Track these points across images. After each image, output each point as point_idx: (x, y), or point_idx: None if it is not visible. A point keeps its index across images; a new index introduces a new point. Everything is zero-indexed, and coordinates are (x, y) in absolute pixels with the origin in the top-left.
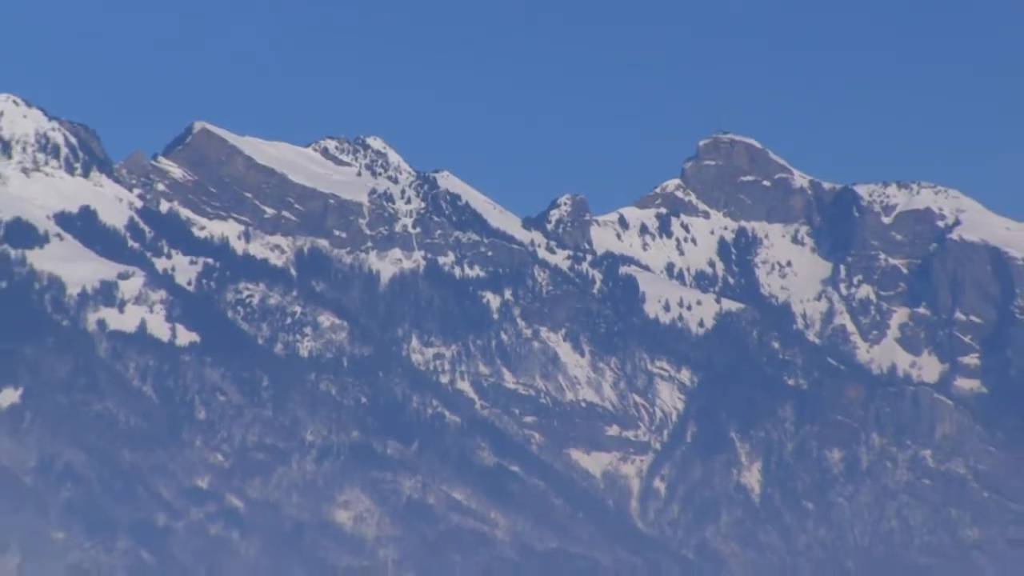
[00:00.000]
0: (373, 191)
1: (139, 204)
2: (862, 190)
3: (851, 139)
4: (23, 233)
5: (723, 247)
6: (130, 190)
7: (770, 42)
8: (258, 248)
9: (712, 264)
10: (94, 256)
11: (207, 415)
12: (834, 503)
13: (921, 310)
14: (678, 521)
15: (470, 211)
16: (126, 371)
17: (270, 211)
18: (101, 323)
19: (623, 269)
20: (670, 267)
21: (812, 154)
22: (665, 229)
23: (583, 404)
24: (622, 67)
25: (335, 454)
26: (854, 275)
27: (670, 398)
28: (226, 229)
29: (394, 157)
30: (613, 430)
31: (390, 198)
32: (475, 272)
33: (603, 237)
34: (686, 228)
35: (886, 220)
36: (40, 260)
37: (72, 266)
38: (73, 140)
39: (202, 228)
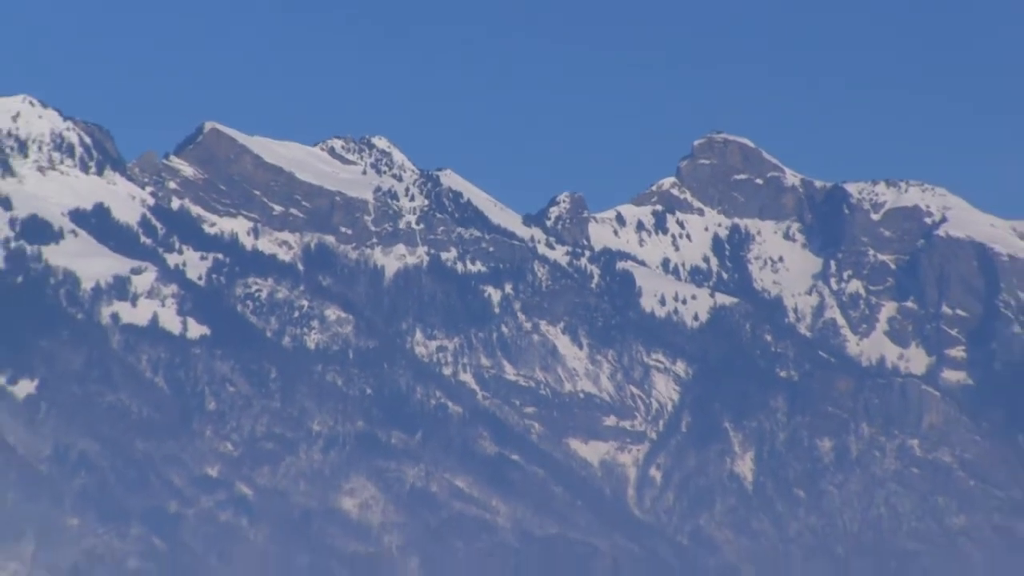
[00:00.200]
0: (378, 189)
1: (151, 201)
2: (852, 188)
3: (841, 139)
4: (39, 230)
5: (717, 243)
6: (143, 188)
7: (764, 45)
8: (266, 244)
9: (706, 260)
10: (108, 252)
11: (217, 406)
12: (825, 491)
13: (909, 304)
14: (673, 508)
15: (472, 208)
16: (139, 363)
17: (278, 208)
18: (114, 316)
19: (620, 264)
20: (666, 262)
21: (804, 153)
22: (661, 226)
23: (581, 395)
24: (619, 68)
25: (341, 443)
26: (844, 270)
27: (666, 389)
28: (235, 226)
29: (398, 156)
30: (610, 420)
31: (394, 196)
32: (477, 267)
33: (601, 233)
34: (681, 225)
35: (875, 217)
36: (55, 256)
37: (86, 261)
38: (87, 140)
39: (212, 225)
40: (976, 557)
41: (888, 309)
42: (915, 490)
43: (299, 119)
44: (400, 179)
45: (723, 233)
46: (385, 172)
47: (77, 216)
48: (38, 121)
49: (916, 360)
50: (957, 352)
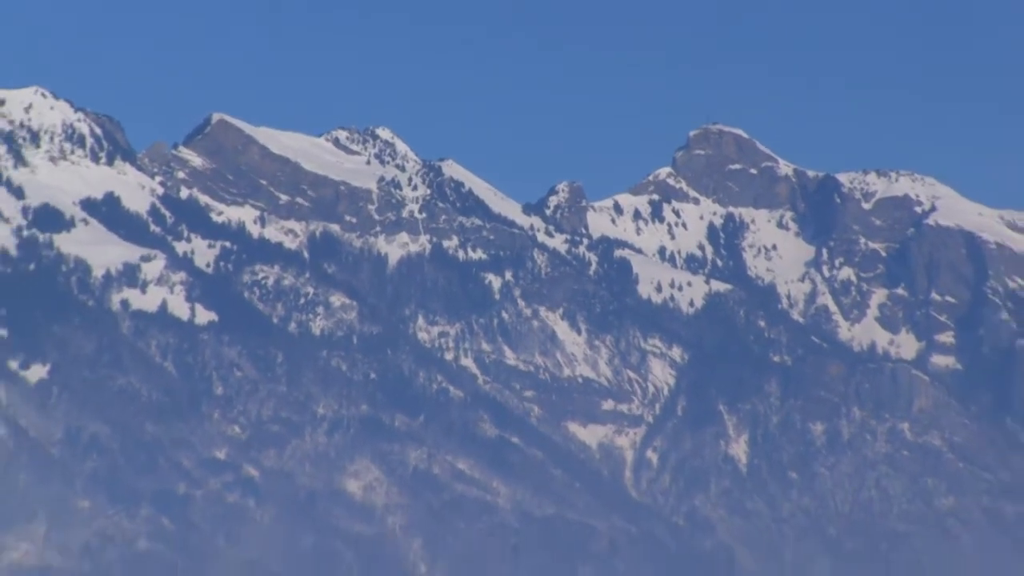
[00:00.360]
0: (381, 179)
1: (160, 191)
2: (843, 178)
3: (833, 130)
4: (51, 218)
5: (712, 231)
6: (152, 178)
7: (758, 40)
8: (273, 232)
9: (702, 248)
10: (118, 240)
11: (224, 390)
12: (817, 473)
13: (899, 291)
14: (669, 490)
15: (473, 197)
16: (148, 348)
17: (284, 197)
18: (124, 303)
19: (618, 252)
20: (662, 250)
21: (796, 144)
22: (657, 214)
23: (580, 379)
24: (617, 63)
25: (346, 427)
26: (836, 258)
27: (662, 374)
28: (243, 214)
29: (401, 147)
30: (608, 404)
31: (398, 185)
32: (478, 255)
33: (599, 222)
34: (677, 214)
35: (866, 206)
36: (67, 244)
37: (97, 249)
38: (98, 130)
39: (220, 213)
40: (965, 538)
41: (879, 296)
42: (905, 472)
43: (305, 111)
44: (403, 169)
45: (718, 222)
46: (388, 162)
47: (88, 205)
48: (50, 112)
49: (906, 345)
50: (946, 338)
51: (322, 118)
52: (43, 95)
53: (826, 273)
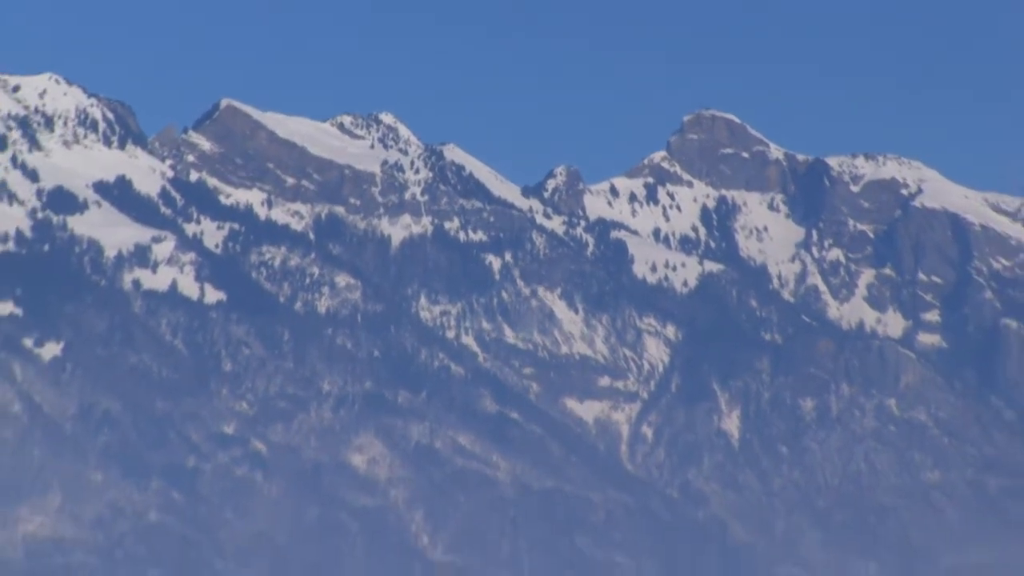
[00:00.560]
0: (385, 162)
1: (171, 174)
2: (832, 162)
3: (823, 115)
4: (65, 201)
5: (705, 214)
6: (162, 161)
7: (749, 29)
8: (280, 214)
9: (695, 229)
10: (129, 222)
11: (233, 367)
12: (807, 448)
13: (886, 271)
14: (664, 464)
15: (474, 180)
16: (159, 327)
17: (291, 180)
18: (136, 283)
19: (614, 234)
20: (657, 232)
21: (787, 129)
22: (652, 197)
23: (577, 357)
24: (614, 52)
25: (350, 402)
26: (825, 239)
27: (657, 351)
28: (250, 197)
29: (404, 131)
30: (604, 381)
31: (400, 169)
32: (478, 236)
33: (595, 204)
34: (671, 196)
35: (854, 189)
36: (80, 225)
37: (109, 231)
38: (110, 115)
39: (228, 196)
40: (949, 510)
41: (867, 276)
42: (892, 447)
43: (311, 97)
44: (406, 153)
45: (711, 204)
46: (392, 146)
47: (100, 188)
48: (63, 98)
49: (893, 324)
50: (932, 316)
51: (327, 104)
52: (57, 81)
53: (816, 254)
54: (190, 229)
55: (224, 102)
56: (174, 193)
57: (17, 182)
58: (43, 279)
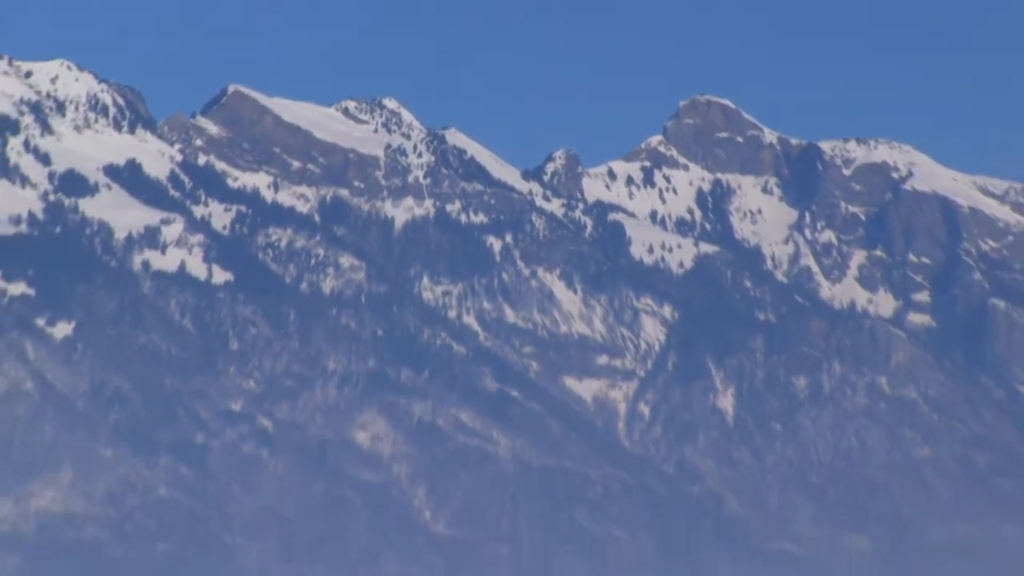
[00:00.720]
0: (388, 146)
1: (179, 158)
2: (825, 146)
3: (815, 100)
4: (76, 184)
5: (701, 196)
6: (171, 145)
7: (744, 15)
8: (286, 197)
9: (691, 212)
10: (139, 204)
11: (240, 346)
12: (800, 425)
13: (877, 253)
14: (660, 440)
15: (475, 164)
16: (168, 307)
17: (296, 164)
18: (145, 264)
19: (611, 216)
20: (653, 214)
21: (780, 114)
22: (649, 180)
23: (576, 336)
24: (612, 37)
25: (354, 381)
26: (818, 221)
27: (653, 331)
28: (257, 180)
29: (407, 116)
30: (602, 359)
31: (403, 152)
32: (479, 218)
33: (594, 187)
34: (668, 179)
35: (846, 172)
36: (91, 208)
37: (119, 213)
38: (120, 101)
39: (235, 179)
40: (939, 486)
41: (858, 257)
42: (883, 424)
43: (316, 82)
44: (409, 137)
45: (706, 187)
46: (395, 131)
47: (111, 171)
48: (75, 84)
49: (884, 304)
50: (922, 297)
51: (332, 89)
52: (68, 67)
53: (808, 236)
54: (198, 211)
55: (231, 88)
56: (183, 176)
57: (29, 166)
58: (55, 260)
